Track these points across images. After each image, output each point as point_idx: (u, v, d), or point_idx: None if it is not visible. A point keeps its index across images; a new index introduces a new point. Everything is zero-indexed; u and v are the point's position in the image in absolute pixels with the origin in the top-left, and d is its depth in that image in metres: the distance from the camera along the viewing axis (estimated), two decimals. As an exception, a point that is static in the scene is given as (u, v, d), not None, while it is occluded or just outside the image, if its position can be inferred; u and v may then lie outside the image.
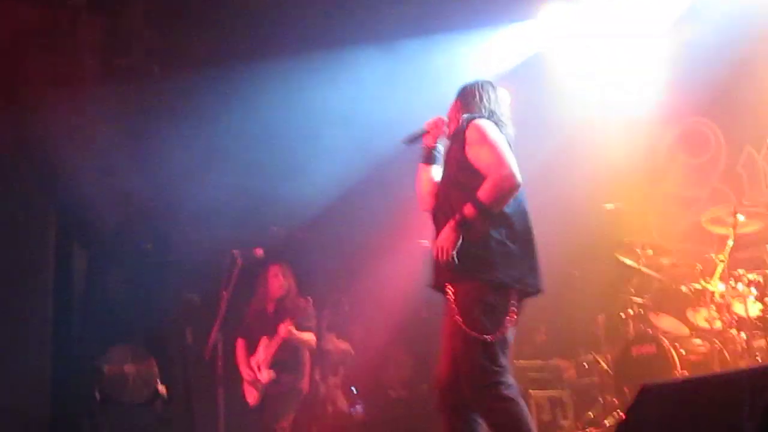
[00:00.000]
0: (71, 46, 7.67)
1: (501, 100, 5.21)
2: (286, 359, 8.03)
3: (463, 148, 4.90)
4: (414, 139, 5.35)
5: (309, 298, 8.26)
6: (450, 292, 4.81)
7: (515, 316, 4.76)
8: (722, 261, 7.53)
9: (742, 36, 8.45)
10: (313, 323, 8.25)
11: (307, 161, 9.72)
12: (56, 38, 7.61)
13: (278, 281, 8.26)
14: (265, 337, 8.06)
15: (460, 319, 4.69)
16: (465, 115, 5.04)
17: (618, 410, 7.79)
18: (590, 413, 8.43)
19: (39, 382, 7.83)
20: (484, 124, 4.93)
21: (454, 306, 4.75)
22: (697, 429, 3.11)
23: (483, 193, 4.71)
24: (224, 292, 8.02)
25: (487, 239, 4.76)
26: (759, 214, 7.68)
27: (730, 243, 7.59)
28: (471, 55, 9.16)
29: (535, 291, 4.90)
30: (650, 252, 8.43)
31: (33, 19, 7.70)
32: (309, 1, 9.02)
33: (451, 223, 4.75)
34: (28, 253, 7.95)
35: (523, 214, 4.92)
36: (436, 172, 5.25)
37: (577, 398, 8.77)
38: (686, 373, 7.42)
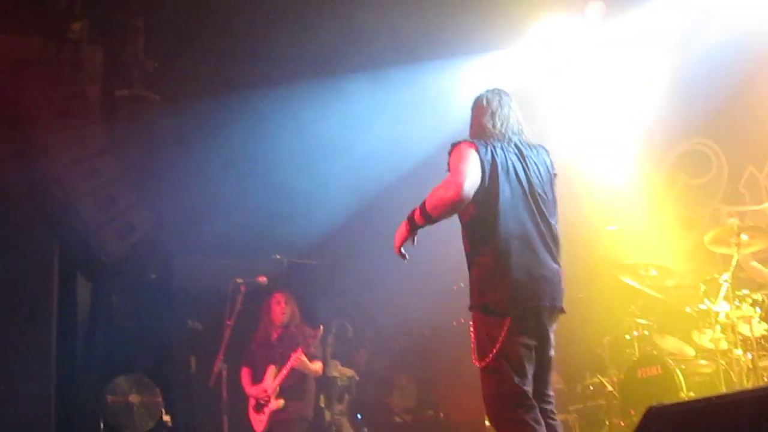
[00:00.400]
0: (72, 77, 7.69)
1: (497, 110, 5.08)
2: (293, 387, 8.02)
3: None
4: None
5: (320, 326, 8.26)
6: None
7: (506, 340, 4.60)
8: (726, 281, 7.51)
9: (741, 56, 8.48)
10: (320, 351, 8.27)
11: (306, 190, 9.76)
12: (57, 70, 7.63)
13: (281, 308, 8.27)
14: (271, 365, 8.04)
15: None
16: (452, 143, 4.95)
17: (625, 433, 7.77)
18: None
19: (43, 413, 7.79)
20: (462, 146, 4.85)
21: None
22: (703, 450, 3.11)
23: (428, 197, 4.75)
24: (228, 321, 8.02)
25: (473, 265, 4.81)
26: (762, 233, 7.66)
27: (734, 263, 7.58)
28: (462, 81, 9.24)
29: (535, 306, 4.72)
30: (654, 273, 8.43)
31: (33, 50, 7.72)
32: (305, 31, 9.07)
33: (404, 221, 4.80)
34: (32, 284, 7.93)
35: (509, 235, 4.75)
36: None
37: (583, 421, 8.74)
38: (692, 394, 7.39)
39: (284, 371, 7.96)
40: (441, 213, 4.69)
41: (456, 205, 4.68)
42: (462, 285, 8.76)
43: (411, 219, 4.77)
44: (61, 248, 8.08)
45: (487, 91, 5.19)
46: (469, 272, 4.79)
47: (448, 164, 4.84)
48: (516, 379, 4.58)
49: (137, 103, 8.57)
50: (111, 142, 8.03)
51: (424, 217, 4.71)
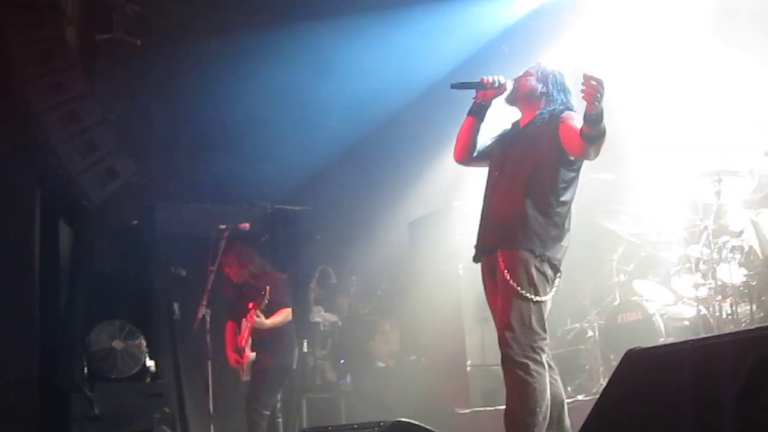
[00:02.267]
0: (51, 21, 7.58)
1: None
2: (264, 338, 8.00)
3: (555, 128, 5.00)
4: (464, 87, 5.35)
5: (280, 273, 8.16)
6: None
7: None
8: (707, 228, 7.55)
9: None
10: (285, 297, 8.16)
11: (289, 132, 9.72)
12: (35, 13, 7.52)
13: (231, 270, 8.20)
14: (243, 318, 8.02)
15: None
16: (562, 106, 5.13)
17: (604, 378, 7.84)
18: (577, 381, 8.49)
19: (27, 360, 7.81)
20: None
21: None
22: (680, 393, 3.14)
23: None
24: (211, 267, 8.01)
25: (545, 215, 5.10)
26: (743, 180, 7.68)
27: (715, 209, 7.62)
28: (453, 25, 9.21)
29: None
30: (635, 219, 8.46)
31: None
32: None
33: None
34: (13, 230, 7.90)
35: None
36: (480, 127, 5.36)
37: (564, 366, 8.80)
38: (672, 339, 7.46)
39: (245, 327, 7.93)
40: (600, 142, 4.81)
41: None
42: (458, 233, 8.86)
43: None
44: (42, 194, 8.03)
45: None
46: (537, 227, 4.96)
47: (568, 130, 4.95)
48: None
49: (118, 48, 8.48)
50: (91, 87, 7.96)
51: (593, 127, 4.69)
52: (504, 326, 4.90)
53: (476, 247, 5.27)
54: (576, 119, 4.92)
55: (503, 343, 4.89)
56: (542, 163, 5.02)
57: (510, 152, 5.19)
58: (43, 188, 8.02)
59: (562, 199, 5.02)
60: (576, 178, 5.12)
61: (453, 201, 9.27)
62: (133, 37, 8.56)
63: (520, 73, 5.33)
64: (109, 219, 9.21)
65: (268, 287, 7.79)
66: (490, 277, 5.15)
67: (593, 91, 4.54)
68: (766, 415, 2.83)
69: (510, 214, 5.00)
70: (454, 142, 5.47)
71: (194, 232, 9.50)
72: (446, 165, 10.50)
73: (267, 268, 8.36)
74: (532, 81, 5.24)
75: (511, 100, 5.33)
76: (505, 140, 5.34)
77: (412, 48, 9.45)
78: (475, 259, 5.29)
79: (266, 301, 7.74)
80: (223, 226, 8.15)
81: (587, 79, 4.55)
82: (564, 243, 5.05)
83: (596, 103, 4.56)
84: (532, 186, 4.99)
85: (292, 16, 9.26)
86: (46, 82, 7.44)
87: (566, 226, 5.07)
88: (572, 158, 5.02)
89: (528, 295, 4.86)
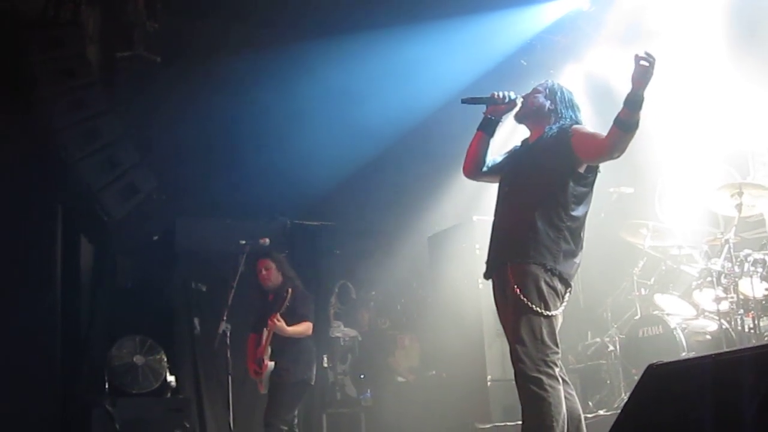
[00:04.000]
0: (74, 39, 7.66)
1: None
2: (284, 350, 7.97)
3: (566, 142, 5.00)
4: (475, 102, 5.38)
5: (288, 289, 8.10)
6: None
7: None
8: (728, 241, 7.51)
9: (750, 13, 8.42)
10: (309, 311, 8.13)
11: (309, 149, 9.74)
12: (58, 31, 7.60)
13: (263, 275, 8.17)
14: (265, 329, 8.00)
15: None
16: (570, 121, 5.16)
17: (626, 392, 7.81)
18: (598, 396, 8.46)
19: (49, 374, 7.86)
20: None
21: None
22: (702, 407, 3.12)
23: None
24: (231, 282, 8.03)
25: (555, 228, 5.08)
26: (764, 194, 7.65)
27: (736, 223, 7.58)
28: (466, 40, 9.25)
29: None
30: (656, 233, 8.43)
31: (35, 12, 7.70)
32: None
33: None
34: (35, 247, 7.96)
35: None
36: (489, 141, 5.40)
37: (585, 381, 8.79)
38: (693, 354, 7.42)
39: (266, 335, 7.91)
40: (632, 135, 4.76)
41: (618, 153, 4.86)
42: (478, 247, 8.85)
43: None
44: (63, 210, 8.10)
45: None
46: (548, 242, 4.94)
47: (582, 137, 5.00)
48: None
49: (138, 65, 8.55)
50: (112, 104, 8.03)
51: (633, 113, 4.67)
52: (515, 341, 4.89)
53: (487, 263, 5.27)
54: (588, 128, 5.02)
55: (515, 358, 4.88)
56: (552, 178, 5.01)
57: (519, 168, 5.21)
58: (64, 204, 8.08)
59: (574, 214, 5.00)
60: (589, 193, 5.10)
61: (473, 215, 9.25)
62: (154, 54, 8.61)
63: (528, 91, 5.35)
64: (130, 234, 9.27)
65: (290, 290, 7.79)
66: (500, 293, 5.14)
67: (646, 69, 4.53)
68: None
69: (520, 228, 5.00)
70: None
71: (214, 247, 9.55)
72: (465, 179, 10.52)
73: (298, 281, 8.33)
74: (540, 98, 5.26)
75: (520, 118, 5.35)
76: (515, 157, 5.36)
77: (431, 62, 9.47)
78: (486, 276, 5.27)
79: (288, 304, 7.74)
80: (243, 242, 8.17)
81: (642, 56, 4.53)
82: (576, 259, 5.03)
83: (645, 84, 4.57)
84: (542, 201, 4.98)
85: (312, 34, 9.31)
86: (67, 99, 7.51)
87: (578, 241, 5.04)
88: (584, 171, 5.02)
89: (538, 309, 4.84)
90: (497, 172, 5.40)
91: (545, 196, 4.99)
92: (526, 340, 4.83)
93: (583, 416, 5.10)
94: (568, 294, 5.02)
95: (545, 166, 5.03)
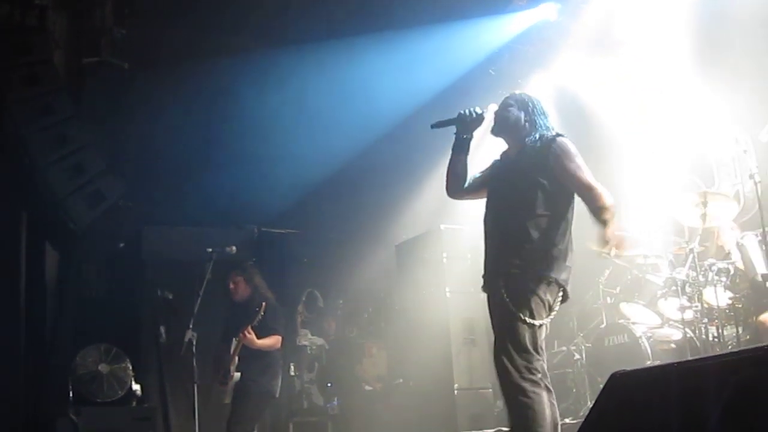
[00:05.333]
0: (40, 45, 7.60)
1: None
2: (250, 361, 7.95)
3: (548, 158, 5.15)
4: (444, 124, 5.49)
5: (263, 303, 8.05)
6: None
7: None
8: (692, 251, 7.57)
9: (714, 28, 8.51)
10: (279, 325, 8.13)
11: (276, 158, 9.73)
12: (24, 37, 7.53)
13: (231, 289, 8.17)
14: (235, 339, 7.98)
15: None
16: (550, 131, 5.31)
17: (591, 400, 7.84)
18: (564, 404, 8.49)
19: (13, 383, 7.77)
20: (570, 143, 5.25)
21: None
22: (665, 415, 3.14)
23: (602, 211, 5.10)
24: (198, 290, 7.99)
25: (550, 246, 5.21)
26: (729, 204, 7.72)
27: (700, 232, 7.65)
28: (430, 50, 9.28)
29: None
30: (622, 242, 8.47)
31: (0, 17, 7.62)
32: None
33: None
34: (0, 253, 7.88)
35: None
36: (466, 160, 5.51)
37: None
38: (658, 362, 7.47)
39: (235, 346, 7.91)
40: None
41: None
42: (445, 255, 8.88)
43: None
44: (28, 217, 8.02)
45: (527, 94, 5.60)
46: (540, 250, 5.07)
47: (568, 161, 5.14)
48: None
49: (106, 71, 8.49)
50: (79, 110, 7.96)
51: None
52: (501, 350, 4.97)
53: (484, 276, 5.32)
54: (568, 154, 5.15)
55: (501, 367, 4.96)
56: (540, 189, 5.13)
57: (506, 182, 5.31)
58: (29, 211, 8.00)
59: (562, 220, 5.16)
60: (573, 196, 5.23)
61: (440, 224, 9.28)
62: (121, 60, 8.56)
63: (497, 106, 5.48)
64: (96, 242, 9.19)
65: (263, 304, 7.79)
66: (494, 304, 5.21)
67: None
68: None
69: (511, 240, 5.12)
70: (443, 172, 5.62)
71: (181, 255, 9.50)
72: (433, 188, 10.55)
73: (269, 293, 8.31)
74: (514, 111, 5.39)
75: (497, 132, 5.46)
76: (499, 171, 5.46)
77: (398, 73, 9.50)
78: (484, 288, 5.33)
79: (260, 317, 7.73)
80: (210, 250, 8.14)
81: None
82: (568, 263, 5.14)
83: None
84: (531, 211, 5.10)
85: (279, 41, 9.30)
86: (33, 105, 7.44)
87: (568, 245, 5.18)
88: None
89: (525, 318, 4.94)
90: (480, 187, 5.51)
91: (534, 206, 5.12)
92: (512, 349, 4.93)
93: (560, 425, 5.14)
94: (558, 301, 5.11)
95: (532, 178, 5.15)
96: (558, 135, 5.25)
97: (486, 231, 5.35)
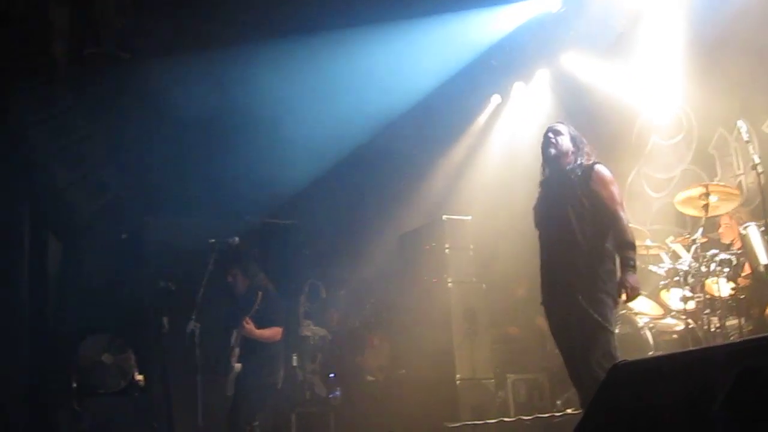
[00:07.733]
0: (40, 35, 7.59)
1: None
2: (251, 353, 7.97)
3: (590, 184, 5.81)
4: None
5: (258, 292, 8.07)
6: None
7: None
8: (695, 241, 7.56)
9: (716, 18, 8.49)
10: (279, 317, 8.15)
11: (279, 147, 9.71)
12: (24, 28, 7.53)
13: (230, 282, 8.23)
14: (234, 331, 8.02)
15: None
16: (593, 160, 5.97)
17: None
18: (566, 395, 8.49)
19: (16, 373, 7.79)
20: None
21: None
22: (667, 405, 3.14)
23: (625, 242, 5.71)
24: (201, 281, 7.99)
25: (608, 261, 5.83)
26: (731, 195, 7.70)
27: (703, 223, 7.64)
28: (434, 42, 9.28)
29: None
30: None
31: (1, 8, 7.61)
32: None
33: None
34: (2, 244, 7.89)
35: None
36: None
37: (553, 380, 8.83)
38: (661, 353, 7.46)
39: (235, 337, 7.94)
40: None
41: None
42: (447, 246, 8.90)
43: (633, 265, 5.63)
44: (31, 208, 8.02)
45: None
46: (601, 266, 5.67)
47: (605, 190, 5.79)
48: None
49: (107, 61, 8.48)
50: (80, 101, 7.95)
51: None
52: (591, 359, 5.50)
53: (545, 303, 5.89)
54: (604, 180, 5.79)
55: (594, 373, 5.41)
56: (589, 211, 5.72)
57: (556, 209, 5.86)
58: (32, 202, 8.01)
59: (608, 236, 5.71)
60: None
61: (443, 215, 9.27)
62: (122, 50, 8.55)
63: (553, 136, 6.02)
64: (99, 233, 9.19)
65: (260, 294, 7.82)
66: (564, 322, 5.71)
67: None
68: (750, 427, 2.83)
69: (575, 264, 5.65)
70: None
71: (184, 246, 9.48)
72: (436, 179, 10.55)
73: (269, 284, 8.35)
74: (567, 141, 5.99)
75: (553, 160, 5.99)
76: (546, 200, 6.02)
77: (401, 63, 9.49)
78: (548, 305, 5.87)
79: (257, 308, 7.76)
80: (213, 240, 8.14)
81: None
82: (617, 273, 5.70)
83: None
84: (585, 233, 5.69)
85: (281, 31, 9.28)
86: (34, 96, 7.44)
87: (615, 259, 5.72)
88: None
89: (608, 326, 5.54)
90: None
91: (587, 228, 5.70)
92: (600, 356, 5.48)
93: None
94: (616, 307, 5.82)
95: (581, 202, 5.75)
96: (594, 162, 5.86)
97: (543, 260, 5.90)
